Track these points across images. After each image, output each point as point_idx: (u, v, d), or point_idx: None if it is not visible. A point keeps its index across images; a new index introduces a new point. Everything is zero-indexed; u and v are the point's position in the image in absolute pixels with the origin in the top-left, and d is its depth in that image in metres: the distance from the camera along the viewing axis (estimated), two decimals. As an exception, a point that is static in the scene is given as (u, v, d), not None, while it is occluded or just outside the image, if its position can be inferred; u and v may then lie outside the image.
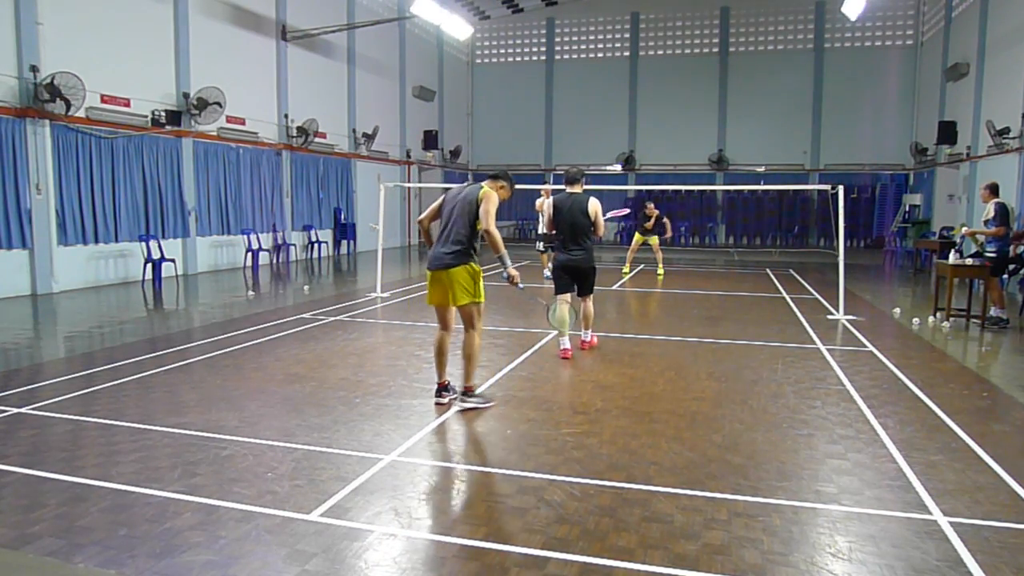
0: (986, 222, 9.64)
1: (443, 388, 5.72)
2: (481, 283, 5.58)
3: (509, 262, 5.65)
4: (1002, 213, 9.42)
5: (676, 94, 28.39)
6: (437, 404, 5.66)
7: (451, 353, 5.81)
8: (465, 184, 5.87)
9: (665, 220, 15.82)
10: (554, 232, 7.71)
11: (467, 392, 5.64)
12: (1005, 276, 10.50)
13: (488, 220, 5.43)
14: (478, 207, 5.47)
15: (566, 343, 7.40)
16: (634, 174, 28.50)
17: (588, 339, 7.81)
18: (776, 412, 5.56)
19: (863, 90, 26.63)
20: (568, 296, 7.50)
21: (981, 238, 9.85)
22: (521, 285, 5.93)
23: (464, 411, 5.50)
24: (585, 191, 7.55)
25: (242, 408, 5.51)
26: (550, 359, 7.38)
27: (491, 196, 5.50)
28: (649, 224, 15.70)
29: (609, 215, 7.17)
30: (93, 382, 6.23)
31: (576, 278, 7.50)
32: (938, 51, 23.31)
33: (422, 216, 5.85)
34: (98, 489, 3.94)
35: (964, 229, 10.05)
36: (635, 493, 3.97)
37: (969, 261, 9.86)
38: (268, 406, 5.60)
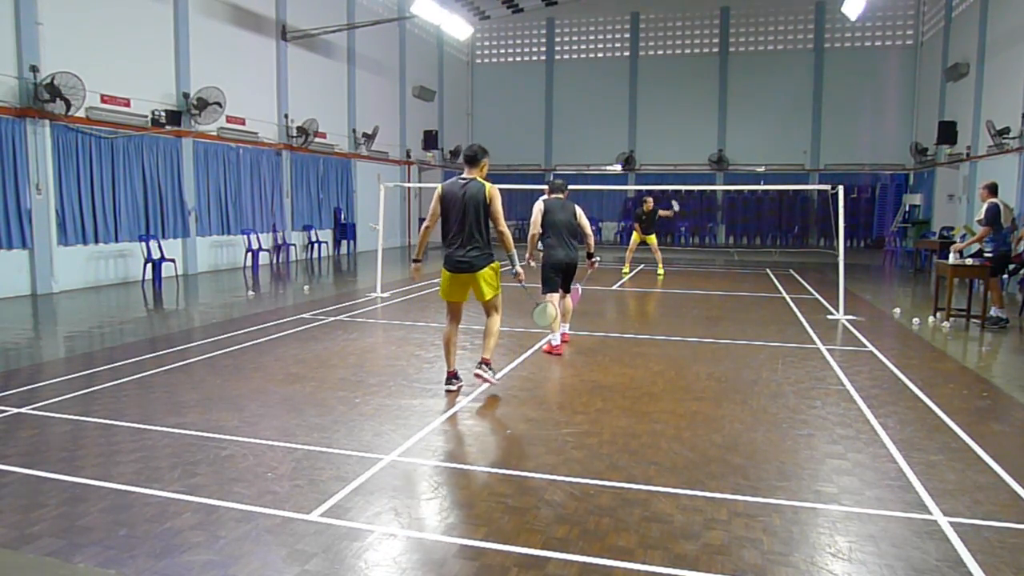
0: (979, 221, 9.75)
1: (453, 376, 6.10)
2: (499, 275, 6.03)
3: (518, 261, 6.14)
4: (990, 212, 9.45)
5: (676, 94, 28.38)
6: (448, 392, 6.00)
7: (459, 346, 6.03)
8: (460, 181, 5.86)
9: (659, 212, 15.83)
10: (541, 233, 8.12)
11: (485, 363, 5.99)
12: (1004, 276, 10.50)
13: (502, 221, 5.84)
14: (487, 206, 5.75)
15: (557, 339, 7.71)
16: (634, 174, 28.48)
17: (565, 332, 8.22)
18: (776, 412, 5.56)
19: (863, 90, 26.63)
20: (556, 296, 7.91)
21: (975, 246, 9.95)
22: (525, 284, 6.40)
23: (477, 376, 5.95)
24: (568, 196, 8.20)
25: (242, 408, 5.51)
26: (550, 359, 7.39)
27: (497, 194, 5.82)
28: (645, 215, 15.64)
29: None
30: (93, 382, 6.24)
31: (567, 275, 8.01)
32: (938, 51, 23.30)
33: (428, 223, 6.11)
34: (98, 489, 3.94)
35: (953, 249, 10.11)
36: (635, 493, 3.97)
37: (969, 261, 9.87)
38: (268, 406, 5.60)
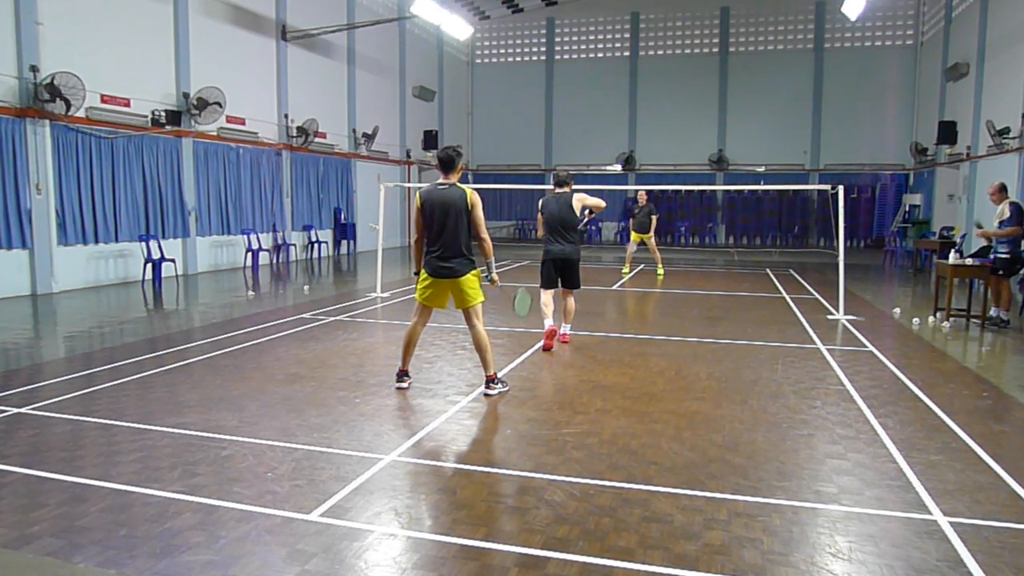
0: (1000, 223, 9.34)
1: (404, 374, 6.14)
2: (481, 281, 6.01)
3: (495, 267, 6.16)
4: (1018, 213, 9.15)
5: (676, 94, 28.37)
6: (398, 389, 6.05)
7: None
8: (439, 187, 5.78)
9: (654, 216, 15.73)
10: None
11: (491, 380, 5.97)
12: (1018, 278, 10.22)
13: (483, 228, 5.82)
14: (469, 213, 5.72)
15: (549, 323, 7.74)
16: (634, 174, 28.48)
17: (565, 333, 8.14)
18: (776, 412, 5.56)
19: (863, 90, 26.62)
20: (551, 292, 7.96)
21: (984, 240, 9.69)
22: (499, 286, 6.40)
23: (489, 397, 5.89)
24: (573, 191, 7.99)
25: (242, 408, 5.51)
26: (549, 359, 7.39)
27: (478, 201, 5.77)
28: (639, 209, 15.56)
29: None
30: (93, 382, 6.24)
31: (563, 271, 7.92)
32: (938, 51, 23.30)
33: (416, 235, 5.97)
34: (98, 489, 3.94)
35: (978, 230, 9.85)
36: (635, 493, 3.97)
37: (969, 261, 9.84)
38: (268, 406, 5.60)
